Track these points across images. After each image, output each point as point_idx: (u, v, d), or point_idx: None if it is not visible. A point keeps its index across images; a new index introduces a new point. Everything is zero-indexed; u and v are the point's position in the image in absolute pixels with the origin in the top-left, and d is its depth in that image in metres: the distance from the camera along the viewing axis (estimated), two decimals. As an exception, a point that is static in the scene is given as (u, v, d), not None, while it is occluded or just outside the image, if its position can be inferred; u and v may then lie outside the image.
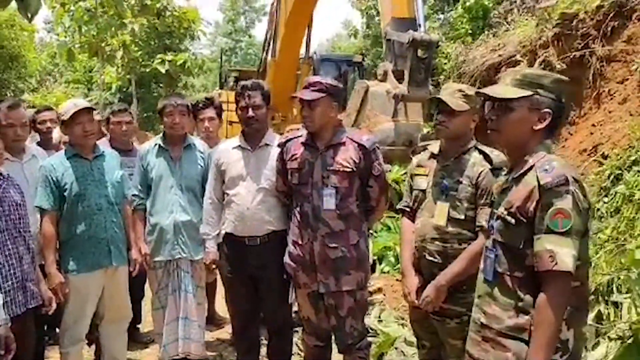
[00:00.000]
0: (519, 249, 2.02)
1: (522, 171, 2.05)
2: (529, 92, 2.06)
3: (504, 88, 2.13)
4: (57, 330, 3.80)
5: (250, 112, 3.44)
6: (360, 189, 3.19)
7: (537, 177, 1.96)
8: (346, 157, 3.11)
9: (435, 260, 2.87)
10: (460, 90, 2.90)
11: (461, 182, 2.85)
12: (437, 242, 2.87)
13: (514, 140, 2.12)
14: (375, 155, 3.18)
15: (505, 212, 2.05)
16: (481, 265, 2.22)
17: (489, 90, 2.20)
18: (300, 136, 3.27)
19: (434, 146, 3.08)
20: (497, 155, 2.85)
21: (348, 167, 3.10)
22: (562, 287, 1.90)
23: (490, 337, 2.10)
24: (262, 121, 3.49)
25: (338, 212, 3.11)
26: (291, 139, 3.31)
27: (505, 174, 2.24)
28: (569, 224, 1.89)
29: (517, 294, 2.03)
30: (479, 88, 3.57)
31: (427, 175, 3.03)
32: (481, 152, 2.88)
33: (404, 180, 6.07)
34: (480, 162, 2.85)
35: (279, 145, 3.36)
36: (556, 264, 1.87)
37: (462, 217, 2.83)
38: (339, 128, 3.22)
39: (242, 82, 3.53)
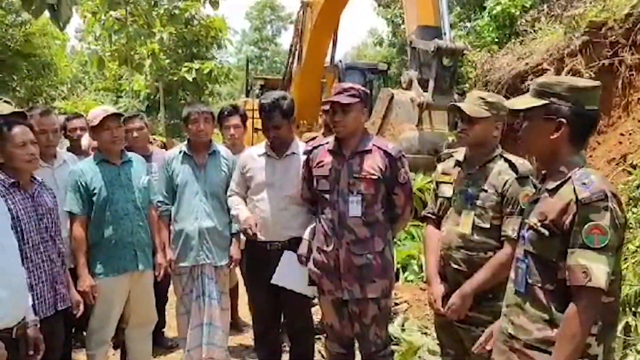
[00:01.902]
0: (552, 262, 1.98)
1: (558, 183, 2.01)
2: (542, 102, 2.03)
3: (522, 99, 2.12)
4: (84, 332, 3.86)
5: (272, 133, 3.50)
6: (385, 196, 3.19)
7: (575, 191, 1.92)
8: (372, 164, 3.12)
9: (461, 268, 2.85)
10: (481, 98, 2.89)
11: (486, 191, 2.83)
12: (462, 251, 2.85)
13: (538, 151, 2.10)
14: (402, 162, 3.18)
15: (539, 224, 2.02)
16: (512, 275, 2.19)
17: (508, 102, 2.21)
18: (327, 143, 3.28)
19: (459, 154, 3.06)
20: (522, 164, 2.82)
21: (374, 175, 3.10)
22: (593, 303, 1.87)
23: (517, 348, 2.08)
24: (284, 137, 3.53)
25: (364, 219, 3.12)
26: (317, 146, 3.33)
27: (539, 182, 2.22)
28: (605, 240, 1.86)
29: (547, 307, 2.00)
30: (505, 96, 3.56)
31: (452, 183, 3.01)
32: (507, 160, 2.85)
33: (429, 189, 6.05)
34: (505, 171, 2.82)
35: (305, 153, 3.38)
36: (590, 280, 1.84)
37: (488, 225, 2.80)
38: (366, 135, 3.23)
39: (262, 101, 3.54)
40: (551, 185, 2.05)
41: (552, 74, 6.55)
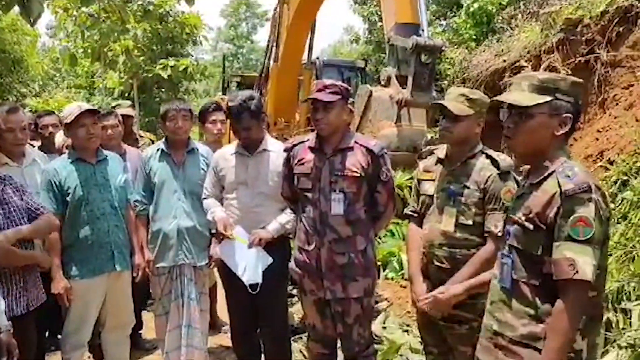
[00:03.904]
0: (536, 256, 1.98)
1: (541, 177, 2.01)
2: (548, 98, 2.01)
3: (522, 95, 2.07)
4: (59, 336, 3.76)
5: (243, 135, 3.46)
6: (368, 194, 3.14)
7: (559, 184, 1.92)
8: (355, 162, 3.07)
9: (444, 266, 2.83)
10: (463, 95, 2.86)
11: (468, 187, 2.81)
12: (445, 248, 2.83)
13: (534, 147, 2.07)
14: (384, 160, 3.13)
15: (524, 218, 2.01)
16: (496, 272, 2.18)
17: (506, 98, 2.14)
18: (308, 140, 3.23)
19: (441, 151, 3.04)
20: (503, 160, 2.82)
21: (357, 172, 3.05)
22: (580, 296, 1.87)
23: (503, 344, 2.07)
24: (255, 137, 3.49)
25: (346, 217, 3.07)
26: (298, 143, 3.28)
27: (522, 179, 2.21)
28: (590, 232, 1.85)
29: (533, 302, 1.99)
30: (485, 93, 3.54)
31: (433, 180, 2.99)
32: (488, 156, 2.84)
33: (408, 186, 6.05)
34: (487, 167, 2.81)
35: (285, 150, 3.33)
36: (576, 272, 1.83)
37: (470, 222, 2.79)
38: (347, 132, 3.18)
39: (230, 104, 3.48)
40: (535, 179, 2.04)
41: (529, 70, 6.59)
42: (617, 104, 5.79)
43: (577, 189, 1.88)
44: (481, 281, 2.67)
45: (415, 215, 3.10)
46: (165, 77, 18.74)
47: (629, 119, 5.42)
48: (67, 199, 3.40)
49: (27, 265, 2.97)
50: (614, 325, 3.23)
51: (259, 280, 3.36)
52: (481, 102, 2.86)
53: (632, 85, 5.73)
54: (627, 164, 4.68)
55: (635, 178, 4.47)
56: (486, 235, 2.75)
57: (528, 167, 2.18)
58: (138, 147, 5.04)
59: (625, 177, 4.58)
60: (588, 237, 1.85)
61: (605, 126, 5.68)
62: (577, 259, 1.84)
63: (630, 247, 3.71)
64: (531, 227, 1.98)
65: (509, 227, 2.11)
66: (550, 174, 1.98)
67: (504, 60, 7.26)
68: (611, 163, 4.98)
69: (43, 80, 23.21)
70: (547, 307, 1.95)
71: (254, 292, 3.38)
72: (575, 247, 1.85)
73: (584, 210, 1.86)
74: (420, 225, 3.05)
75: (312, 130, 3.27)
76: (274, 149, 3.52)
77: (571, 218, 1.87)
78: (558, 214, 1.90)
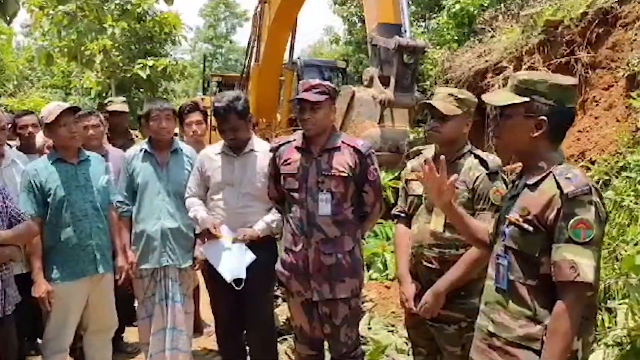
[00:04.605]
0: (534, 257, 1.96)
1: (538, 178, 2.00)
2: (523, 99, 2.00)
3: (501, 94, 2.09)
4: (39, 340, 3.68)
5: (229, 135, 3.43)
6: (355, 194, 3.12)
7: (560, 185, 1.90)
8: (342, 161, 3.05)
9: (433, 266, 2.82)
10: (451, 94, 2.87)
11: (457, 187, 2.79)
12: (434, 248, 2.82)
13: (514, 147, 2.08)
14: (371, 160, 3.11)
15: (521, 219, 1.99)
16: (491, 272, 2.16)
17: (486, 98, 2.16)
18: (294, 140, 3.20)
19: (429, 151, 3.03)
20: (492, 160, 2.82)
21: (344, 172, 3.03)
22: (580, 298, 1.86)
23: (498, 345, 2.05)
24: (242, 138, 3.47)
25: (333, 218, 3.04)
26: (284, 143, 3.25)
27: (516, 178, 2.20)
28: (591, 234, 1.85)
29: (530, 303, 1.98)
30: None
31: (422, 181, 2.97)
32: (477, 156, 2.84)
33: (391, 186, 6.05)
34: (476, 167, 2.81)
35: (271, 150, 3.30)
36: (578, 274, 1.83)
37: (460, 222, 2.77)
38: (334, 132, 3.16)
39: (216, 104, 3.44)
40: (531, 180, 2.03)
41: (510, 71, 6.64)
42: (597, 105, 5.85)
43: (578, 191, 1.87)
44: (460, 276, 2.69)
45: (403, 215, 3.09)
46: (144, 77, 18.55)
47: (610, 119, 5.48)
48: (48, 200, 3.33)
49: (3, 267, 2.90)
50: (599, 324, 3.25)
51: (243, 275, 3.32)
52: (469, 101, 2.86)
53: (612, 86, 5.78)
54: (609, 163, 4.73)
55: (617, 178, 4.52)
56: (475, 235, 2.74)
57: (514, 167, 2.17)
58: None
59: (607, 177, 4.62)
60: (589, 239, 1.85)
61: (586, 127, 5.73)
62: (578, 261, 1.83)
63: (614, 247, 3.74)
64: (530, 228, 1.97)
65: (504, 227, 2.09)
66: (547, 176, 1.97)
67: (486, 61, 7.29)
68: (593, 163, 5.03)
69: (18, 79, 22.84)
70: (542, 307, 1.95)
71: (238, 288, 3.33)
72: (576, 249, 1.85)
73: (585, 213, 1.86)
74: (408, 225, 3.04)
75: (294, 131, 3.24)
76: (261, 149, 3.49)
77: (572, 220, 1.86)
78: (558, 216, 1.89)
